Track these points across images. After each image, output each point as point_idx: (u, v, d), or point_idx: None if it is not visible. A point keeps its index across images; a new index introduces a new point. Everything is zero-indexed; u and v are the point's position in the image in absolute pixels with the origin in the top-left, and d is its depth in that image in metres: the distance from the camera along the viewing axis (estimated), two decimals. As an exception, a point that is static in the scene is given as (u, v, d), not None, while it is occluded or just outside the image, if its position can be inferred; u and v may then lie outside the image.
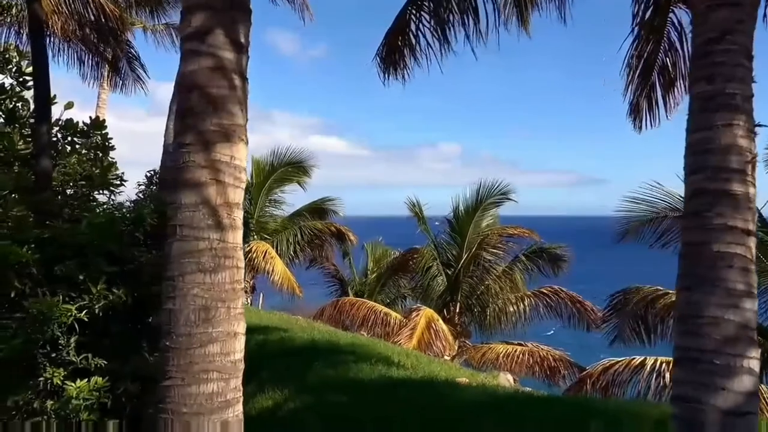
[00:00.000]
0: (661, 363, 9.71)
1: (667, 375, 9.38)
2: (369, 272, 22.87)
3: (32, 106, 6.96)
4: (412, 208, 17.94)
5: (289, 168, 18.82)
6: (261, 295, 21.95)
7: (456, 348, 15.32)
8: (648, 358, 9.93)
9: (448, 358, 14.42)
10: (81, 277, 4.94)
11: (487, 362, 14.14)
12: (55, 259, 5.11)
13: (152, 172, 7.42)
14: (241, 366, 3.92)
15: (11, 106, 6.93)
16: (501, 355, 14.09)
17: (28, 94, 7.05)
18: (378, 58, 7.52)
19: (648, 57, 7.00)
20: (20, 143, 6.71)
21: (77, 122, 6.95)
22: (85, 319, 4.73)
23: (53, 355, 4.88)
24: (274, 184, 18.77)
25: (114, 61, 15.54)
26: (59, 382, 4.76)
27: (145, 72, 15.59)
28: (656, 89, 7.29)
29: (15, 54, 7.26)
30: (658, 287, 12.04)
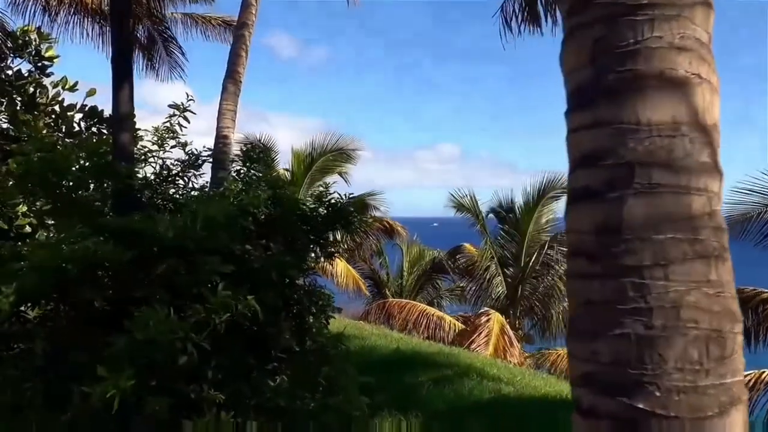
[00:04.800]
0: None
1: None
2: (405, 272, 21.79)
3: (51, 93, 6.47)
4: (462, 202, 16.65)
5: (330, 156, 17.52)
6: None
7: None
8: (779, 370, 8.67)
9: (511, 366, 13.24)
10: (191, 281, 3.75)
11: (558, 371, 12.88)
12: (152, 258, 3.93)
13: (250, 146, 6.31)
14: None
15: (30, 92, 6.39)
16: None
17: (47, 81, 6.51)
18: (502, 13, 6.32)
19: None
20: (44, 131, 6.11)
21: (102, 110, 6.36)
22: (207, 348, 3.50)
23: (157, 382, 3.68)
24: (317, 175, 17.47)
25: (149, 45, 14.40)
26: (167, 417, 3.56)
27: (183, 55, 14.44)
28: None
29: (35, 36, 6.64)
30: (762, 289, 10.82)
